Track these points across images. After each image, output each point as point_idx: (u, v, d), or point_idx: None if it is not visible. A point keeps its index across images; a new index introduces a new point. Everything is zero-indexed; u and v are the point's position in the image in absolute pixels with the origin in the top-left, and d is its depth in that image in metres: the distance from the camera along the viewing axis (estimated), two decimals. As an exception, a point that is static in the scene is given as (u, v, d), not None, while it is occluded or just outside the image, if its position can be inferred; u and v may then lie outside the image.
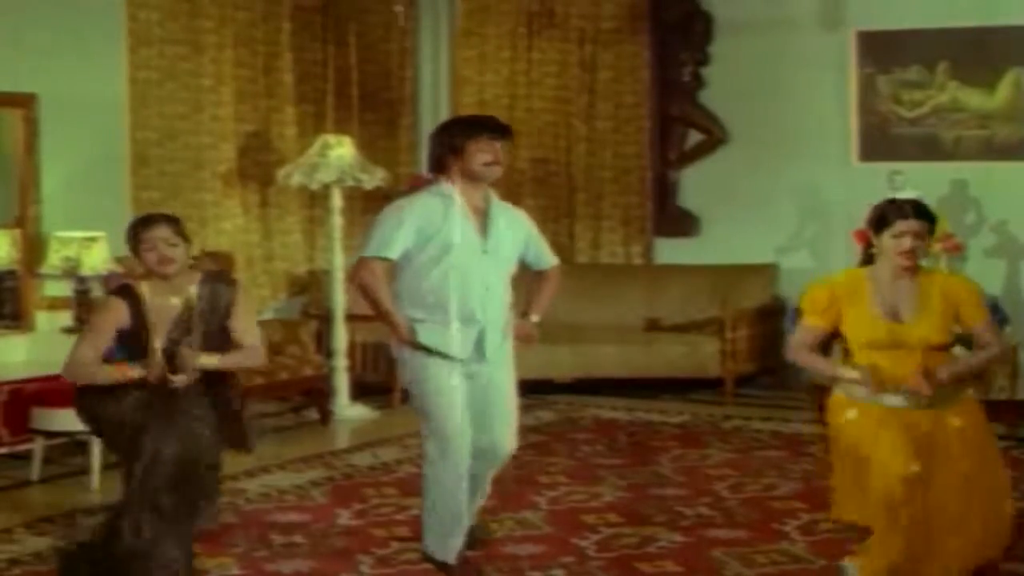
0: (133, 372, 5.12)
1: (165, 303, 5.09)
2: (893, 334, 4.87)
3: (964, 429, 4.94)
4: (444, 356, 5.53)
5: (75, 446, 7.64)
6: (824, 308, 5.02)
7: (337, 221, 9.35)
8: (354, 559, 6.08)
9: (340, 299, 9.27)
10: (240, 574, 5.87)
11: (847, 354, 5.08)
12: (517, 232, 5.74)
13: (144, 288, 5.16)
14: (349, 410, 9.31)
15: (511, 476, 6.85)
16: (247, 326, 5.36)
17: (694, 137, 11.05)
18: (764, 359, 10.19)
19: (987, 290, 9.19)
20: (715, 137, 10.91)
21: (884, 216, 4.95)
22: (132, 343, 5.11)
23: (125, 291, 5.21)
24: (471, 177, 5.57)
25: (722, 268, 10.50)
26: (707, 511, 6.85)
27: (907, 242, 4.85)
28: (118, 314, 5.12)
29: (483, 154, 5.55)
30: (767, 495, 7.13)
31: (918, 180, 9.39)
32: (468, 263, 5.52)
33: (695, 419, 9.19)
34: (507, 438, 5.73)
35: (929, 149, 10.15)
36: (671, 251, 11.03)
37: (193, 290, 5.11)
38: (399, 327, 5.55)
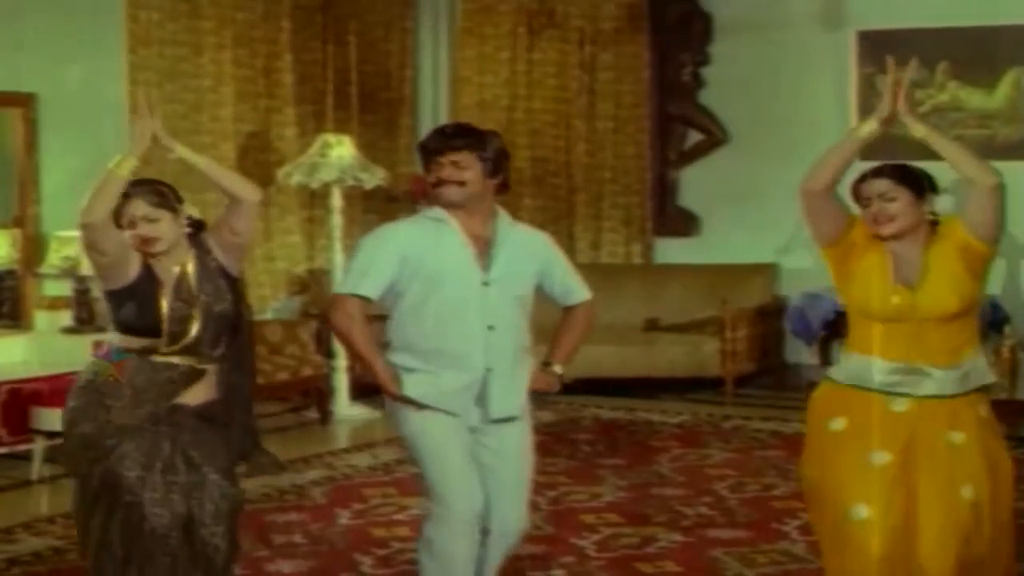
0: (130, 159, 4.36)
1: (166, 272, 4.44)
2: (904, 302, 4.21)
3: (968, 446, 4.22)
4: (439, 410, 4.69)
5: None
6: (854, 226, 4.41)
7: (337, 221, 9.36)
8: (354, 559, 6.08)
9: (340, 299, 9.27)
10: (240, 574, 5.86)
11: (848, 331, 4.44)
12: (532, 260, 4.83)
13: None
14: (349, 410, 9.30)
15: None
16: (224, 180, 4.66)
17: (694, 137, 11.05)
18: (764, 359, 10.19)
19: (987, 290, 9.21)
20: (715, 137, 10.91)
21: (856, 182, 4.45)
22: (135, 302, 4.40)
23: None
24: (436, 203, 4.74)
25: (722, 268, 10.50)
26: (707, 511, 6.85)
27: (869, 210, 4.35)
28: (136, 256, 4.42)
29: (430, 174, 4.71)
30: (767, 495, 7.13)
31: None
32: (464, 299, 4.66)
33: (695, 419, 9.19)
34: (517, 512, 4.85)
35: (929, 149, 10.11)
36: (671, 251, 11.04)
37: (190, 258, 4.45)
38: (380, 376, 4.68)
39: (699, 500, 7.05)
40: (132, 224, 4.37)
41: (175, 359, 4.44)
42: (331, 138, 9.37)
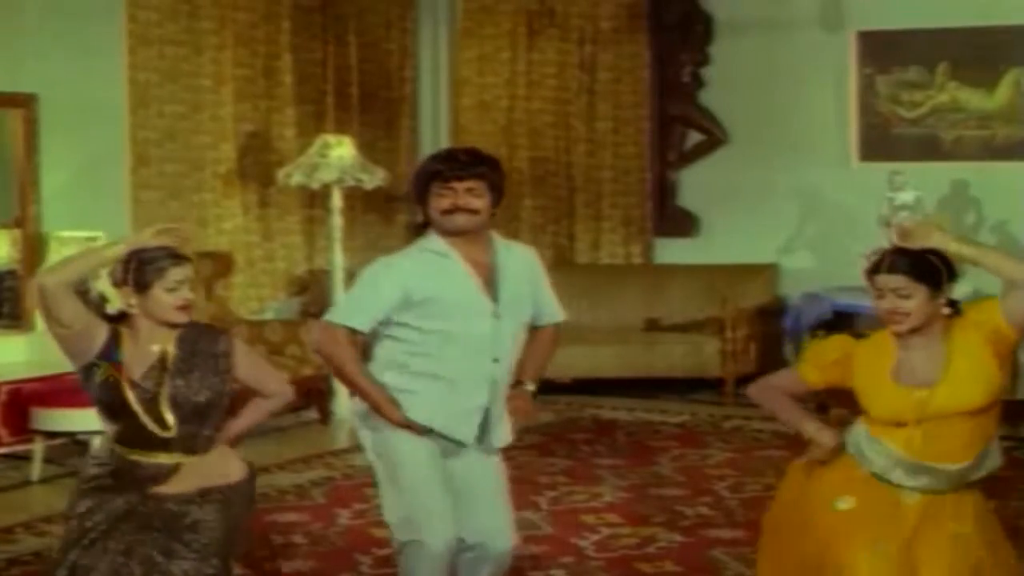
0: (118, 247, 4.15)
1: (140, 349, 4.19)
2: (913, 404, 3.97)
3: (971, 538, 4.06)
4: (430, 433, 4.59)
5: (75, 446, 7.64)
6: (830, 363, 4.16)
7: (337, 221, 9.36)
8: (354, 559, 6.09)
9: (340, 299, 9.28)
10: (240, 574, 5.86)
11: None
12: (529, 282, 4.71)
13: (123, 330, 4.22)
14: (349, 410, 9.29)
15: (511, 477, 6.83)
16: (262, 374, 4.39)
17: (694, 137, 11.05)
18: (764, 359, 10.17)
19: (987, 291, 9.21)
20: (715, 137, 10.91)
21: (870, 269, 4.07)
22: (102, 382, 4.16)
23: (111, 318, 4.26)
24: (437, 230, 4.60)
25: (722, 268, 10.50)
26: (707, 511, 6.85)
27: (882, 303, 4.01)
28: (102, 330, 4.21)
29: (440, 199, 4.54)
30: (767, 495, 7.09)
31: (918, 180, 9.40)
32: (476, 333, 4.55)
33: (695, 419, 9.19)
34: (501, 528, 4.71)
35: (929, 149, 10.16)
36: (671, 251, 11.03)
37: (173, 339, 4.19)
38: (379, 402, 4.56)
39: (699, 500, 7.05)
40: (174, 288, 4.15)
41: (150, 458, 4.16)
42: (331, 138, 9.37)
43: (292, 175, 9.27)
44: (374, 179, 9.31)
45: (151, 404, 4.13)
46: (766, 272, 10.54)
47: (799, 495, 4.21)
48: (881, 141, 10.29)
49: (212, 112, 9.44)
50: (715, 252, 10.74)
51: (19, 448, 7.63)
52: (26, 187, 8.34)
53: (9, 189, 8.41)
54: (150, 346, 4.18)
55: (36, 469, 7.54)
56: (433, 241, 4.60)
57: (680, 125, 11.04)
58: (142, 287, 4.15)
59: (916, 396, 3.97)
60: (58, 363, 7.67)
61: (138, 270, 4.14)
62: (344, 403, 9.31)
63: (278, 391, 4.41)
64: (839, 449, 4.13)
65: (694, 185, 11.03)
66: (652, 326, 10.48)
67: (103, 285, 4.31)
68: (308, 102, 10.13)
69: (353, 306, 4.61)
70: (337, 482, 7.52)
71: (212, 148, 9.46)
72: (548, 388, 9.70)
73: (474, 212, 4.54)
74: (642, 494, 7.19)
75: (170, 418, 4.13)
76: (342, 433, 8.96)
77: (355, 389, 4.66)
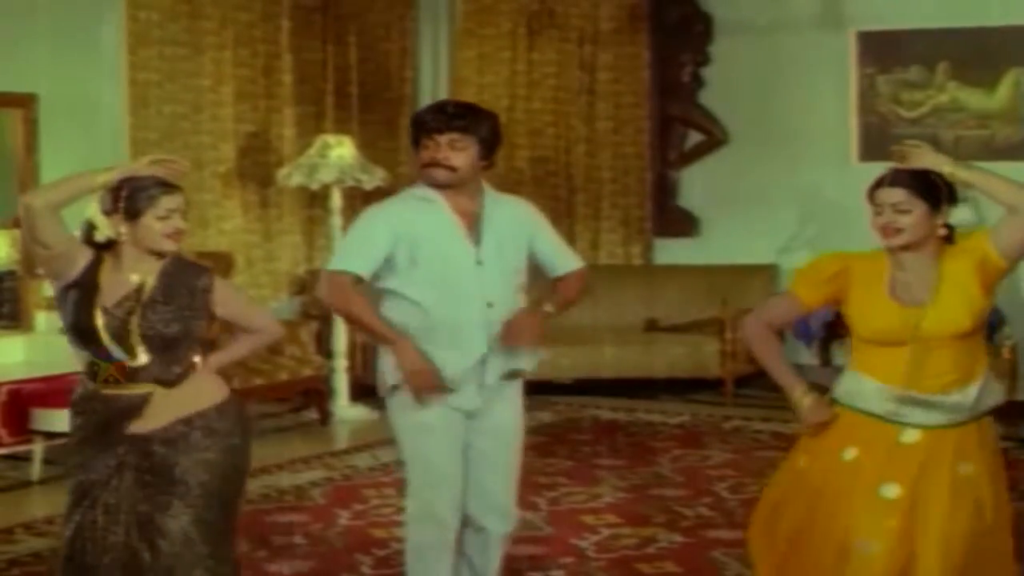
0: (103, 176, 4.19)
1: (119, 277, 4.19)
2: (906, 322, 3.98)
3: (978, 477, 4.07)
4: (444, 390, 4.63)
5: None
6: (825, 279, 4.20)
7: (337, 221, 9.36)
8: (354, 559, 6.08)
9: (340, 299, 9.28)
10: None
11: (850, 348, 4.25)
12: (520, 230, 4.74)
13: (106, 256, 4.24)
14: (349, 411, 9.31)
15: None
16: (245, 310, 4.42)
17: (694, 137, 11.06)
18: (764, 359, 10.19)
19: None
20: (715, 137, 10.92)
21: (872, 186, 4.11)
22: (74, 299, 4.19)
23: (95, 246, 4.28)
24: (423, 181, 4.66)
25: (722, 268, 10.51)
26: (707, 512, 6.85)
27: (879, 218, 4.03)
28: (84, 256, 4.23)
29: (423, 152, 4.61)
30: (767, 495, 7.13)
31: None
32: (460, 278, 4.60)
33: (695, 419, 9.19)
34: (507, 498, 4.80)
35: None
36: (671, 251, 11.04)
37: (156, 270, 4.19)
38: (397, 341, 4.58)
39: (699, 501, 7.05)
40: (166, 217, 4.18)
41: (121, 389, 4.15)
42: (331, 139, 9.37)
43: (292, 175, 9.27)
44: (374, 179, 9.31)
45: (120, 332, 4.12)
46: (766, 272, 10.55)
47: (811, 460, 4.28)
48: (881, 141, 10.28)
49: (212, 112, 9.44)
50: (715, 252, 10.75)
51: (19, 448, 7.62)
52: (26, 187, 8.32)
53: (9, 189, 8.41)
54: (130, 275, 4.19)
55: (36, 469, 7.54)
56: (420, 188, 4.67)
57: (680, 125, 11.05)
58: (133, 215, 4.17)
59: (911, 313, 4.01)
60: (58, 363, 7.65)
61: (129, 198, 4.17)
62: (343, 404, 9.33)
63: (265, 327, 4.46)
64: (826, 414, 4.20)
65: (694, 185, 11.04)
66: (652, 326, 10.48)
67: (92, 213, 4.31)
68: (308, 102, 10.13)
69: (352, 252, 4.65)
70: (336, 483, 7.52)
71: (212, 148, 9.46)
72: (548, 388, 9.75)
73: (452, 169, 4.58)
74: (642, 495, 7.19)
75: (139, 348, 4.12)
76: (342, 433, 8.97)
77: (369, 332, 4.72)
